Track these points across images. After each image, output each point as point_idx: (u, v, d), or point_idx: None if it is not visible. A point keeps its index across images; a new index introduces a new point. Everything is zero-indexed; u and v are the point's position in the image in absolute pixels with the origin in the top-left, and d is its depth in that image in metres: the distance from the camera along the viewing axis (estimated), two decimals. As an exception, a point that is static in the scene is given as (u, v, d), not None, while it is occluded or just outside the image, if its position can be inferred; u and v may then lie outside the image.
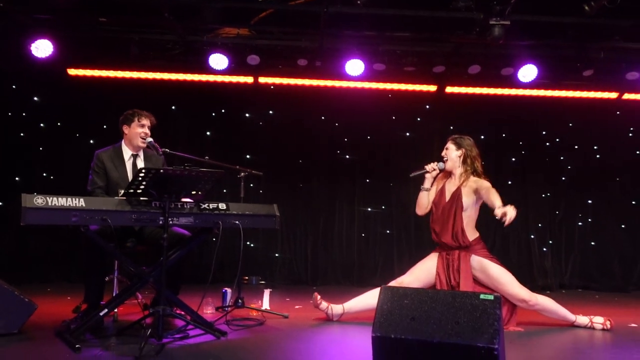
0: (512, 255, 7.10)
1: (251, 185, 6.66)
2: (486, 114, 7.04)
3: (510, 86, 6.72)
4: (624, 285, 7.00)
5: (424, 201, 4.49)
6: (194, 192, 3.70)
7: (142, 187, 3.44)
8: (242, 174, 4.89)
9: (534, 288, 6.64)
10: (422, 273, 4.31)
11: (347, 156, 7.14)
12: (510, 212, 3.77)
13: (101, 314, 3.60)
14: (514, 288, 4.18)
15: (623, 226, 7.24)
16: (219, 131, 6.99)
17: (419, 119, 7.23)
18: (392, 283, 4.14)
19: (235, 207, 3.88)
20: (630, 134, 7.29)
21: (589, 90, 6.84)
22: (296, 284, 6.86)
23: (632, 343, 3.86)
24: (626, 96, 6.91)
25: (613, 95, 6.91)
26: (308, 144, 7.08)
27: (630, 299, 6.36)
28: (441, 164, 4.43)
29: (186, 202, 3.70)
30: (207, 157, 4.58)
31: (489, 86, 6.80)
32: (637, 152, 7.27)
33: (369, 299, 4.33)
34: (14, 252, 6.39)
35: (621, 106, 7.10)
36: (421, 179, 4.51)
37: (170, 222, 3.57)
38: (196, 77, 6.57)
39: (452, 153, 4.41)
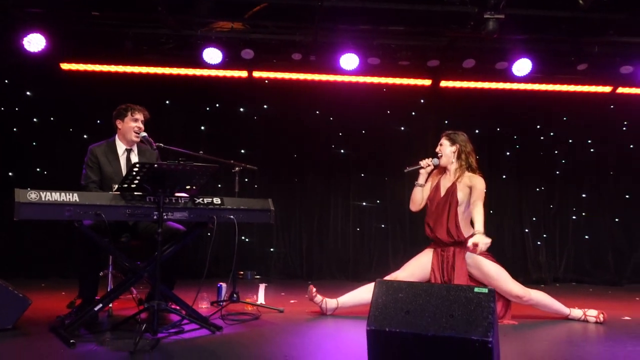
0: (506, 250, 7.13)
1: (246, 179, 6.65)
2: (481, 108, 7.06)
3: (505, 80, 6.74)
4: (617, 279, 7.05)
5: (418, 197, 4.49)
6: (188, 187, 3.69)
7: (136, 181, 3.43)
8: (237, 168, 4.88)
9: (528, 282, 6.71)
10: (416, 269, 4.31)
11: (342, 151, 7.14)
12: (481, 246, 3.87)
13: (96, 309, 3.58)
14: (509, 284, 4.19)
15: (617, 220, 7.28)
16: (214, 126, 6.97)
17: (413, 113, 7.24)
18: (387, 278, 4.15)
19: (230, 202, 3.87)
20: (624, 128, 7.32)
21: (583, 84, 6.87)
22: (291, 278, 6.86)
23: (626, 336, 3.88)
24: (620, 90, 6.95)
25: (607, 89, 6.94)
26: (303, 138, 7.08)
27: (624, 292, 6.40)
28: (435, 159, 4.43)
29: (180, 197, 3.69)
30: (201, 152, 4.56)
31: (483, 80, 6.82)
32: (631, 146, 7.30)
33: (363, 293, 4.34)
34: (8, 247, 6.37)
35: (615, 100, 7.13)
36: (416, 174, 4.50)
37: (165, 217, 3.56)
38: (190, 72, 6.56)
39: (447, 149, 4.40)
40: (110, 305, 4.14)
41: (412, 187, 4.53)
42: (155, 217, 3.52)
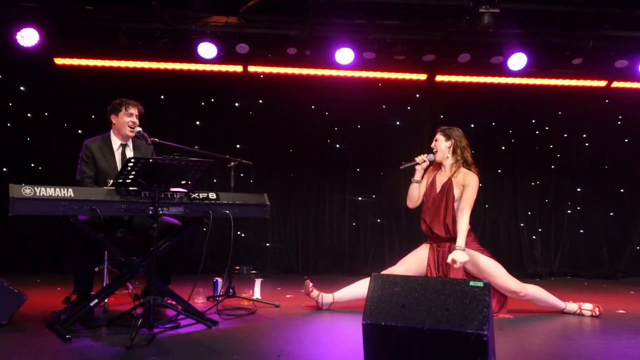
0: (502, 244, 7.15)
1: (241, 174, 6.64)
2: (476, 103, 7.06)
3: (500, 74, 6.74)
4: (612, 273, 7.08)
5: (415, 193, 4.48)
6: (183, 182, 3.68)
7: (131, 176, 3.42)
8: (232, 163, 4.87)
9: (523, 276, 6.74)
10: (413, 264, 4.32)
11: (338, 145, 7.14)
12: (458, 264, 3.95)
13: (91, 304, 3.58)
14: (504, 280, 4.20)
15: (611, 214, 7.31)
16: (209, 121, 6.95)
17: (409, 108, 7.23)
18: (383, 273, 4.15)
19: (226, 197, 3.86)
20: (619, 122, 7.33)
21: (578, 78, 6.88)
22: (287, 273, 6.87)
23: (620, 329, 3.90)
24: (615, 84, 6.96)
25: (602, 83, 6.95)
26: (298, 133, 7.07)
27: (618, 286, 6.43)
28: (431, 155, 4.42)
29: (176, 192, 3.68)
30: (196, 147, 4.56)
31: (478, 75, 6.82)
32: (626, 140, 7.32)
33: (358, 288, 4.34)
34: (3, 243, 6.37)
35: (610, 94, 7.14)
36: (411, 170, 4.50)
37: (160, 212, 3.55)
38: (185, 66, 6.53)
39: (442, 144, 4.39)
40: (106, 300, 4.13)
41: (408, 182, 4.52)
42: (150, 212, 3.51)
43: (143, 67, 6.47)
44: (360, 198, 7.15)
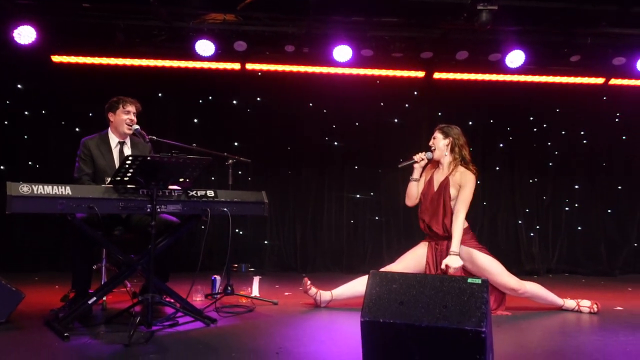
0: (500, 241, 7.16)
1: (239, 172, 6.64)
2: (474, 100, 7.06)
3: (498, 72, 6.74)
4: (609, 270, 7.09)
5: (414, 192, 4.48)
6: (181, 180, 3.68)
7: (129, 174, 3.42)
8: (230, 161, 4.86)
9: (521, 273, 6.75)
10: (411, 261, 4.31)
11: (336, 143, 7.14)
12: (451, 270, 3.98)
13: (90, 302, 3.58)
14: (503, 277, 4.20)
15: (609, 211, 7.32)
16: (207, 118, 6.95)
17: (407, 105, 7.23)
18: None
19: (224, 195, 3.86)
20: (617, 119, 7.34)
21: (576, 75, 6.88)
22: (285, 270, 6.87)
23: (618, 326, 3.92)
24: (613, 81, 6.97)
25: (600, 80, 6.96)
26: (296, 130, 7.07)
27: (616, 283, 6.44)
28: (429, 153, 4.41)
29: (174, 190, 3.68)
30: (194, 145, 4.54)
31: (476, 72, 6.82)
32: (624, 137, 7.33)
33: (356, 286, 4.35)
34: (1, 241, 6.35)
35: (608, 91, 7.15)
36: (410, 169, 4.49)
37: (158, 210, 3.55)
38: (182, 64, 6.52)
39: (440, 142, 4.38)
40: (104, 298, 4.13)
41: (406, 179, 4.52)
42: (148, 209, 3.51)
43: (141, 64, 6.46)
44: (358, 195, 7.15)
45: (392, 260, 4.46)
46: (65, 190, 3.31)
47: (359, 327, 2.39)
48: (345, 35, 6.15)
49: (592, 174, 7.34)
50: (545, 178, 7.33)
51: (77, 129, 6.48)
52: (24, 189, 3.20)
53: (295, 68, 6.67)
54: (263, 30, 6.22)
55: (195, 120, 6.94)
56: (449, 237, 4.21)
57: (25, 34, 5.78)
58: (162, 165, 3.44)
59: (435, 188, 4.34)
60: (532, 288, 4.33)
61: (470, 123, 7.13)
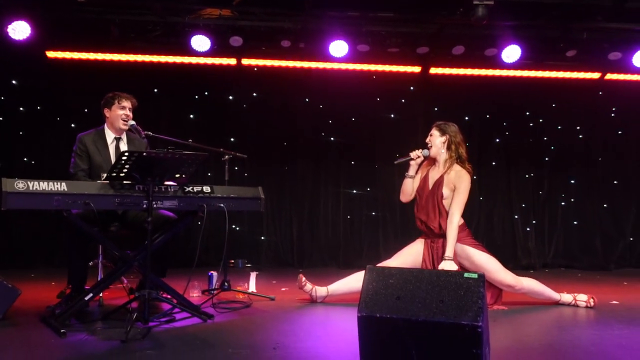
0: (496, 236, 7.18)
1: (236, 168, 6.63)
2: (470, 95, 7.05)
3: (494, 67, 6.73)
4: (605, 264, 7.12)
5: (408, 188, 4.47)
6: (177, 175, 3.67)
7: (125, 170, 3.41)
8: (227, 156, 4.85)
9: (517, 268, 6.77)
10: (408, 258, 4.31)
11: (332, 138, 7.13)
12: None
13: (86, 298, 3.57)
14: (500, 274, 4.21)
15: (605, 205, 7.34)
16: (202, 114, 6.93)
17: (403, 101, 7.22)
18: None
19: (220, 190, 3.86)
20: (613, 114, 7.35)
21: (572, 70, 6.88)
22: (282, 266, 6.87)
23: (614, 320, 3.93)
24: (609, 76, 6.97)
25: (596, 75, 6.96)
26: (292, 126, 7.06)
27: (612, 277, 6.47)
28: (425, 150, 4.40)
29: (170, 186, 3.67)
30: (190, 140, 4.54)
31: (472, 67, 6.82)
32: (619, 132, 7.35)
33: (352, 282, 4.35)
34: (-4, 237, 6.33)
35: (604, 86, 7.15)
36: (406, 165, 4.48)
37: (155, 206, 3.54)
38: (178, 59, 6.49)
39: (436, 139, 4.36)
40: (101, 294, 4.12)
41: (402, 175, 4.52)
42: (144, 205, 3.50)
43: (136, 60, 6.42)
44: (354, 191, 7.15)
45: (388, 255, 4.47)
46: (61, 186, 3.30)
47: (355, 322, 2.39)
48: (341, 31, 6.13)
49: (588, 168, 7.36)
50: (541, 173, 7.34)
51: (72, 125, 6.46)
52: (20, 185, 3.19)
53: (291, 63, 6.65)
54: (259, 26, 6.20)
55: (191, 116, 6.92)
56: (444, 235, 4.22)
57: (19, 30, 5.74)
58: (158, 161, 3.43)
59: (430, 186, 4.34)
60: (529, 284, 4.34)
61: (467, 118, 7.14)
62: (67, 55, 6.33)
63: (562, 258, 7.25)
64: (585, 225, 7.29)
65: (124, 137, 4.28)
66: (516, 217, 7.24)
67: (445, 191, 4.24)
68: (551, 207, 7.33)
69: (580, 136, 7.37)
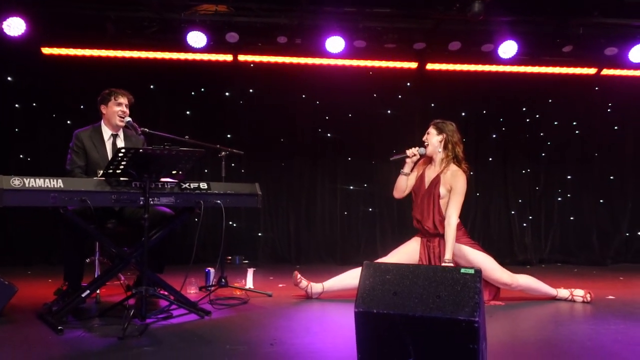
0: (492, 232, 7.20)
1: (232, 164, 6.63)
2: (467, 91, 7.06)
3: (491, 62, 6.74)
4: (601, 259, 7.15)
5: (403, 185, 4.46)
6: (174, 172, 3.66)
7: (121, 167, 3.40)
8: (223, 153, 4.84)
9: (514, 263, 6.80)
10: (404, 256, 4.31)
11: (329, 134, 7.13)
12: None
13: (83, 295, 3.57)
14: (496, 273, 4.22)
15: (601, 201, 7.36)
16: (199, 110, 6.92)
17: (400, 96, 7.23)
18: (374, 263, 4.16)
19: (217, 187, 3.85)
20: (609, 110, 7.37)
21: (568, 66, 6.90)
22: (279, 262, 6.88)
23: (610, 314, 3.95)
24: (605, 72, 6.99)
25: (592, 71, 6.98)
26: (289, 122, 7.05)
27: (608, 272, 6.49)
28: (422, 149, 4.38)
29: (167, 182, 3.66)
30: (187, 137, 4.52)
31: (469, 63, 6.83)
32: (615, 128, 7.36)
33: (348, 278, 4.36)
34: (-8, 235, 6.32)
35: (600, 82, 7.17)
36: (402, 161, 4.48)
37: (151, 202, 3.54)
38: (174, 56, 6.48)
39: (433, 138, 4.35)
40: (98, 291, 4.13)
41: (399, 171, 4.51)
42: (141, 202, 3.49)
43: (132, 56, 6.41)
44: (351, 187, 7.15)
45: (386, 251, 4.47)
46: (57, 183, 3.29)
47: (352, 318, 2.39)
48: (337, 26, 6.13)
49: (584, 164, 7.38)
50: (538, 168, 7.36)
51: (68, 122, 6.44)
52: (16, 182, 3.18)
53: (287, 59, 6.64)
54: (255, 22, 6.19)
55: (188, 112, 6.91)
56: (440, 234, 4.23)
57: (14, 26, 5.72)
58: (154, 158, 3.42)
59: (427, 185, 4.33)
60: (525, 281, 4.35)
61: (463, 114, 7.14)
62: (63, 51, 6.31)
63: (558, 253, 7.27)
64: (582, 220, 7.32)
65: (120, 133, 4.26)
66: (513, 212, 7.25)
67: (442, 191, 4.23)
68: (547, 202, 7.35)
69: (577, 132, 7.38)
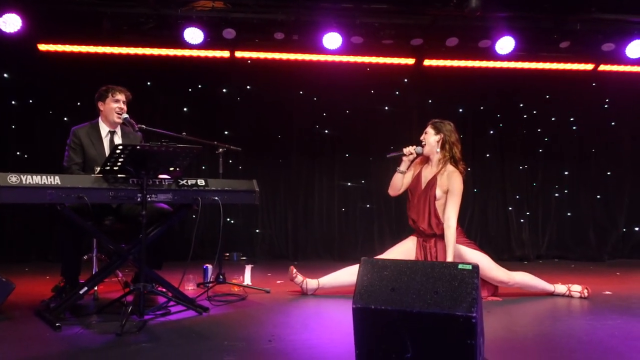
0: (490, 228, 7.21)
1: (230, 161, 6.62)
2: (464, 87, 7.05)
3: (488, 58, 6.73)
4: (598, 255, 7.16)
5: (398, 183, 4.46)
6: (172, 169, 3.66)
7: (119, 163, 3.39)
8: (221, 149, 4.84)
9: (511, 259, 6.81)
10: (400, 255, 4.30)
11: (326, 131, 7.12)
12: None
13: (81, 292, 3.56)
14: (492, 272, 4.23)
15: (598, 197, 7.37)
16: (196, 107, 6.91)
17: (397, 93, 7.22)
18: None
19: (215, 183, 3.85)
20: (606, 106, 7.37)
21: (565, 62, 6.89)
22: (277, 259, 6.88)
23: (607, 310, 3.96)
24: (602, 67, 6.98)
25: (589, 66, 6.97)
26: (287, 118, 7.05)
27: (605, 268, 6.51)
28: (419, 148, 4.38)
29: (164, 179, 3.66)
30: (184, 133, 4.52)
31: (466, 59, 6.81)
32: (612, 124, 7.37)
33: (343, 276, 4.37)
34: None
35: (597, 77, 7.16)
36: (398, 159, 4.47)
37: (149, 199, 3.53)
38: (171, 52, 6.46)
39: (431, 137, 4.34)
40: (96, 288, 4.12)
41: (396, 168, 4.50)
42: (138, 199, 3.49)
43: (128, 52, 6.39)
44: (349, 183, 7.15)
45: (383, 247, 4.48)
46: (54, 179, 3.28)
47: (350, 314, 2.39)
48: (334, 22, 6.12)
49: (581, 160, 7.38)
50: (535, 164, 7.37)
51: (65, 119, 6.43)
52: (13, 179, 3.17)
53: (284, 56, 6.63)
54: (252, 18, 6.17)
55: (185, 109, 6.90)
56: (435, 235, 4.23)
57: (10, 22, 5.70)
58: (152, 155, 3.41)
59: (423, 186, 4.33)
60: (522, 278, 4.36)
61: (461, 110, 7.15)
62: (59, 48, 6.28)
63: (555, 249, 7.29)
64: (579, 216, 7.33)
65: (118, 130, 4.26)
66: (510, 208, 7.26)
67: (438, 192, 4.23)
68: (545, 198, 7.36)
69: (574, 127, 7.39)
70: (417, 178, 4.40)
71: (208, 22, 6.07)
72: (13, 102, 6.55)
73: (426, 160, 4.44)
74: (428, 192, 4.26)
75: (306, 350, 2.90)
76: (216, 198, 3.79)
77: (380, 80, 7.02)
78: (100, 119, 4.23)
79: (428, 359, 2.30)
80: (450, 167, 4.27)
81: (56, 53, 6.32)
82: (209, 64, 6.68)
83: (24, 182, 3.19)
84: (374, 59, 6.78)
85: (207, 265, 4.86)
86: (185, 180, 3.71)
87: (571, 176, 7.38)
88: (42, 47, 6.24)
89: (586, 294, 4.39)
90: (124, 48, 6.34)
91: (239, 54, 6.59)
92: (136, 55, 6.42)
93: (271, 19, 6.18)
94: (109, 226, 4.05)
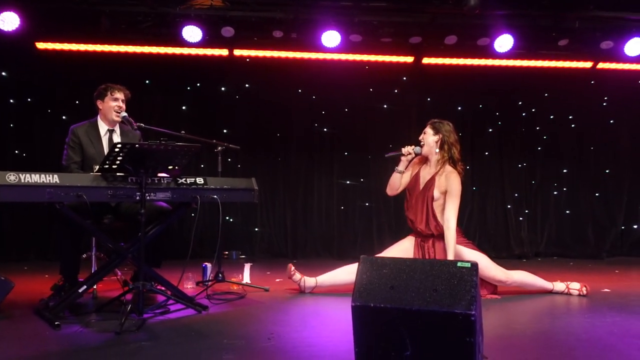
0: (489, 226, 7.21)
1: (229, 159, 6.61)
2: (463, 85, 7.05)
3: (487, 56, 6.73)
4: (597, 252, 7.17)
5: (396, 183, 4.45)
6: (170, 167, 3.66)
7: (117, 162, 3.39)
8: (219, 148, 4.83)
9: (510, 257, 6.82)
10: (398, 254, 4.29)
11: (325, 129, 7.12)
12: None
13: (80, 290, 3.56)
14: (491, 271, 4.23)
15: (597, 195, 7.38)
16: (195, 105, 6.90)
17: (396, 91, 7.22)
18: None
19: (213, 182, 3.85)
20: (605, 103, 7.37)
21: (564, 59, 6.88)
22: (276, 257, 6.88)
23: (606, 307, 3.97)
24: (600, 65, 6.97)
25: (588, 64, 6.97)
26: (285, 117, 7.04)
27: (604, 265, 6.52)
28: (417, 147, 4.36)
29: (163, 177, 3.66)
30: (183, 132, 4.51)
31: (465, 57, 6.81)
32: (611, 121, 7.37)
33: (340, 274, 4.38)
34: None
35: (596, 75, 7.15)
36: (397, 158, 4.47)
37: (148, 198, 3.53)
38: (170, 50, 6.44)
39: (429, 138, 4.33)
40: (95, 286, 4.12)
41: (395, 166, 4.50)
42: (137, 197, 3.49)
43: (127, 51, 6.37)
44: (348, 182, 7.15)
45: (382, 245, 4.48)
46: (53, 178, 3.28)
47: (349, 312, 2.40)
48: (333, 21, 6.11)
49: (580, 158, 7.39)
50: (534, 162, 7.37)
51: (63, 117, 6.42)
52: (11, 177, 3.17)
53: (283, 54, 6.62)
54: (250, 16, 6.16)
55: (184, 107, 6.89)
56: (433, 235, 4.24)
57: (8, 20, 5.69)
58: (150, 153, 3.41)
59: (421, 186, 4.33)
60: (520, 277, 4.36)
61: (459, 108, 7.15)
62: (58, 46, 6.27)
63: (554, 247, 7.29)
64: (578, 214, 7.34)
65: (117, 129, 4.25)
66: (509, 206, 7.27)
67: (436, 193, 4.23)
68: (544, 196, 7.36)
69: (573, 125, 7.39)
70: (415, 178, 4.39)
71: (206, 20, 6.07)
72: (11, 101, 6.54)
73: (425, 160, 4.43)
74: (426, 193, 4.26)
75: (305, 348, 2.90)
76: (215, 196, 3.79)
77: (379, 78, 7.02)
78: (99, 117, 4.23)
79: (427, 356, 2.31)
80: (448, 168, 4.26)
81: (54, 51, 6.30)
82: (208, 62, 6.67)
83: (22, 180, 3.19)
84: (372, 57, 6.78)
85: (206, 263, 4.86)
86: (184, 179, 3.72)
87: (570, 174, 7.39)
88: (41, 45, 6.23)
89: (585, 292, 4.40)
90: (123, 46, 6.33)
91: (237, 52, 6.58)
92: (135, 54, 6.41)
93: (270, 17, 6.18)
94: (108, 225, 4.05)
